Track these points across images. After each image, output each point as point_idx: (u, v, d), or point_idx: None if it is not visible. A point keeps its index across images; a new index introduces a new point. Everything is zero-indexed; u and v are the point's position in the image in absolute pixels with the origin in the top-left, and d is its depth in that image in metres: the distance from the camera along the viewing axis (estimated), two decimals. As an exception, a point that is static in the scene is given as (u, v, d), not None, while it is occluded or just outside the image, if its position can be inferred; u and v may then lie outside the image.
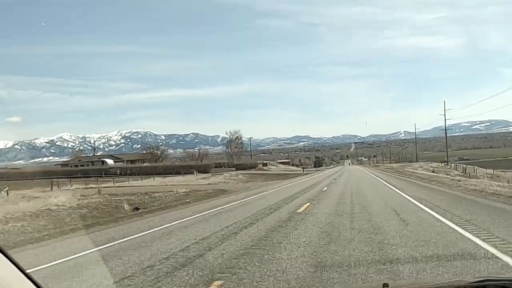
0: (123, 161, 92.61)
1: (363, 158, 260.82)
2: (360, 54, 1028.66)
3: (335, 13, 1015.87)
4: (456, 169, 60.78)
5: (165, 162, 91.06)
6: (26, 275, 1.76)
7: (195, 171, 57.82)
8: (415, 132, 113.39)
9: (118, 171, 66.13)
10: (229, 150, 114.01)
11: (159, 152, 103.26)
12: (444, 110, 72.66)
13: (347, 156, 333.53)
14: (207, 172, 61.40)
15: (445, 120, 72.01)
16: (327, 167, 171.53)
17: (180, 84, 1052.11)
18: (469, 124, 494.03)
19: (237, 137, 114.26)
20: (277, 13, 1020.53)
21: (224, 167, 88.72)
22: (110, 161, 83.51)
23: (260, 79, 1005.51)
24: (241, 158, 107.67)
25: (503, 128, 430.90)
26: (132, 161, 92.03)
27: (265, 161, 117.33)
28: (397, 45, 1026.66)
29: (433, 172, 49.77)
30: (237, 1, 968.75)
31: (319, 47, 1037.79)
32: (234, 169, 77.68)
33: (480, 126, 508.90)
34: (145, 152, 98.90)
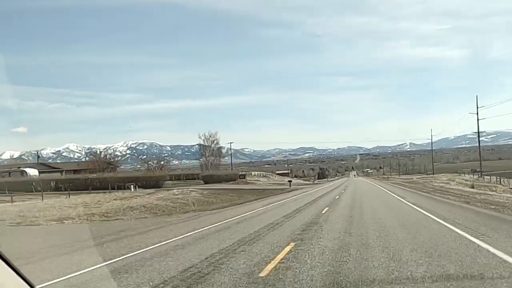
0: (61, 171, 69.54)
1: (368, 169, 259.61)
2: (365, 64, 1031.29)
3: (340, 23, 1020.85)
4: (501, 183, 45.58)
5: (118, 174, 65.86)
6: (25, 279, 1.81)
7: (132, 186, 47.21)
8: (431, 142, 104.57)
9: (40, 185, 48.92)
10: (204, 159, 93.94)
11: (110, 160, 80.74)
12: (477, 109, 65.45)
13: (352, 168, 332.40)
14: (158, 187, 49.05)
15: (478, 123, 66.15)
16: (329, 179, 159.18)
17: (185, 94, 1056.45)
18: (474, 136, 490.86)
19: (214, 141, 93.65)
20: (281, 23, 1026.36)
21: (190, 179, 75.59)
22: (32, 172, 64.75)
23: (266, 89, 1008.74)
24: (219, 168, 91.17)
25: (509, 140, 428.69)
26: (75, 171, 68.06)
27: (242, 172, 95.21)
28: (402, 55, 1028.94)
29: (472, 187, 37.95)
30: (241, 11, 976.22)
31: (323, 57, 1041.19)
32: (202, 182, 65.33)
33: (486, 138, 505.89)
34: (94, 160, 75.98)
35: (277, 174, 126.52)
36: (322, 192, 42.17)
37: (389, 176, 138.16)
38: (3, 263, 1.62)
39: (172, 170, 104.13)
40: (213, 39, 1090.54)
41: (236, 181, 68.15)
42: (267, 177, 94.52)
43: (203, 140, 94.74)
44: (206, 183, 62.23)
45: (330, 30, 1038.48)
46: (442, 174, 78.79)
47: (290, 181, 62.79)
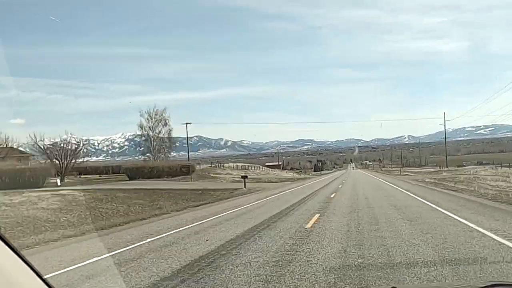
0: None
1: (367, 161, 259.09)
2: (365, 57, 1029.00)
3: (340, 16, 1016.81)
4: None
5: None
6: (44, 280, 1.75)
7: None
8: (445, 129, 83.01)
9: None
10: (149, 144, 70.03)
11: None
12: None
13: (351, 160, 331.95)
14: (38, 187, 28.86)
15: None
16: (322, 173, 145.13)
17: (184, 86, 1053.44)
18: (473, 129, 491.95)
19: (161, 121, 68.30)
20: (282, 15, 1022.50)
21: (116, 173, 59.39)
22: None
23: (265, 82, 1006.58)
24: (168, 158, 68.52)
25: (508, 133, 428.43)
26: None
27: (185, 163, 57.57)
28: (402, 48, 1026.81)
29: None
30: (242, 3, 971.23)
31: (323, 49, 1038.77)
32: (127, 178, 48.48)
33: (484, 131, 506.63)
34: None
35: (267, 166, 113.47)
36: (287, 202, 20.03)
37: (391, 168, 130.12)
38: (11, 252, 1.65)
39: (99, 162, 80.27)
40: (213, 32, 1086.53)
41: (190, 176, 48.43)
42: (248, 170, 72.62)
43: (146, 119, 68.93)
44: (131, 179, 46.59)
45: (330, 22, 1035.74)
46: (462, 168, 70.25)
47: (244, 177, 36.77)
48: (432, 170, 72.39)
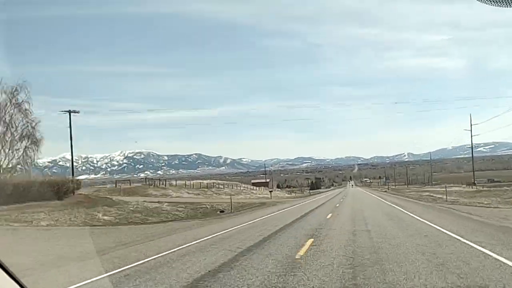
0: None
1: (367, 179, 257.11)
2: (365, 74, 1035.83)
3: (340, 34, 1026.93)
4: None
5: None
6: (18, 282, 1.77)
7: None
8: (472, 143, 67.92)
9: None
10: None
11: None
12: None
13: (350, 177, 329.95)
14: None
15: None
16: (321, 190, 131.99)
17: (184, 104, 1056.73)
18: (473, 146, 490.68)
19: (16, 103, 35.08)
20: (282, 33, 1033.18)
21: None
22: None
23: (264, 100, 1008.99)
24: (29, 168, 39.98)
25: (508, 151, 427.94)
26: None
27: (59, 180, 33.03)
28: (402, 65, 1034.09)
29: None
30: (242, 21, 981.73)
31: (324, 67, 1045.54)
32: None
33: (484, 149, 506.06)
34: None
35: (253, 184, 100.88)
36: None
37: (394, 185, 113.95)
38: (2, 272, 1.68)
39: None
40: (213, 49, 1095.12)
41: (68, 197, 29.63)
42: (209, 189, 56.03)
43: None
44: None
45: (331, 40, 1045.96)
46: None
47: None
48: (458, 189, 53.17)
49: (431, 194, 41.73)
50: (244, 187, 79.31)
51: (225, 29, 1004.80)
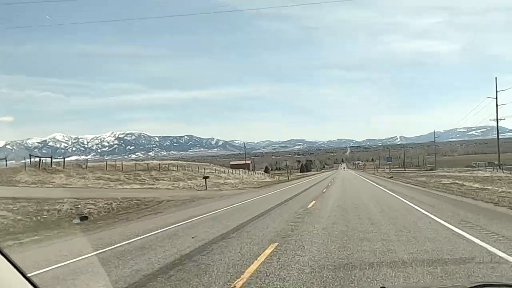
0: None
1: (359, 161, 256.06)
2: (359, 58, 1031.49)
3: (335, 17, 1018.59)
4: None
5: None
6: (27, 278, 1.76)
7: None
8: (497, 122, 57.12)
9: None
10: None
11: None
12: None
13: (342, 160, 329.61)
14: None
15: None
16: (308, 174, 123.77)
17: (176, 85, 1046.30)
18: (465, 130, 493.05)
19: None
20: (276, 16, 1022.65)
21: None
22: None
23: (257, 82, 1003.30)
24: None
25: (500, 135, 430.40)
26: None
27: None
28: (396, 49, 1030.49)
29: None
30: (236, 3, 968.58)
31: (317, 50, 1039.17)
32: None
33: (476, 132, 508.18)
34: None
35: (232, 166, 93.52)
36: None
37: (390, 169, 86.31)
38: (13, 269, 1.69)
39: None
40: (206, 31, 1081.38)
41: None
42: (146, 174, 42.08)
43: None
44: None
45: (325, 23, 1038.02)
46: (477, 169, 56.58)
47: None
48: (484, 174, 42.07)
49: (463, 183, 26.39)
50: (213, 170, 64.65)
51: (219, 11, 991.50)
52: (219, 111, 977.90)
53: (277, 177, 78.54)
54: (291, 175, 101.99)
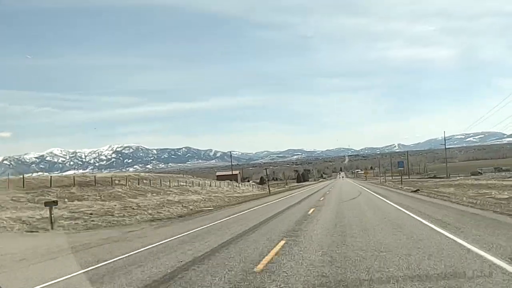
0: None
1: (358, 170, 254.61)
2: (355, 66, 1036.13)
3: (330, 25, 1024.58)
4: None
5: None
6: None
7: None
8: None
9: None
10: None
11: None
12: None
13: (341, 169, 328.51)
14: None
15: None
16: (304, 184, 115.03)
17: (173, 97, 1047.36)
18: (463, 137, 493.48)
19: None
20: (272, 24, 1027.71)
21: None
22: None
23: (254, 92, 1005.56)
24: None
25: (497, 140, 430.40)
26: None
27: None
28: (392, 56, 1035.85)
29: None
30: (232, 13, 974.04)
31: (314, 58, 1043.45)
32: None
33: (474, 138, 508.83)
34: None
35: (218, 178, 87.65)
36: None
37: (391, 177, 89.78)
38: None
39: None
40: (202, 42, 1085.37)
41: None
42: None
43: None
44: None
45: (321, 31, 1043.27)
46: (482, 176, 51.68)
47: None
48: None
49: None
50: (183, 183, 53.06)
51: (215, 21, 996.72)
52: (217, 122, 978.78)
53: (269, 188, 64.95)
54: (286, 186, 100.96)
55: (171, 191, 41.05)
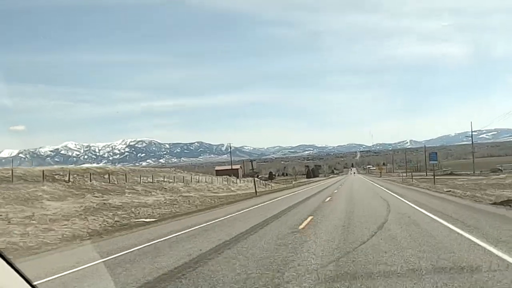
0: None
1: (370, 166, 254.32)
2: (366, 62, 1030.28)
3: (341, 22, 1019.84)
4: None
5: None
6: (33, 286, 1.79)
7: None
8: None
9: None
10: None
11: None
12: None
13: (352, 165, 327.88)
14: None
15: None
16: (312, 180, 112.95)
17: (186, 92, 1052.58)
18: (475, 133, 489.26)
19: None
20: (283, 21, 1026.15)
21: None
22: None
23: (266, 88, 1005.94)
24: None
25: (509, 137, 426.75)
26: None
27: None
28: (403, 53, 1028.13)
29: None
30: (242, 10, 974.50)
31: (325, 55, 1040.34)
32: None
33: (486, 135, 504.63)
34: None
35: (217, 173, 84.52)
36: None
37: (406, 175, 78.83)
38: (14, 272, 1.70)
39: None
40: (214, 38, 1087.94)
41: None
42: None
43: None
44: None
45: (331, 28, 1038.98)
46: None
47: None
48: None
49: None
50: (171, 179, 45.77)
51: (226, 18, 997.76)
52: (228, 118, 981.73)
53: (273, 185, 61.19)
54: (294, 182, 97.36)
55: (134, 189, 32.20)
